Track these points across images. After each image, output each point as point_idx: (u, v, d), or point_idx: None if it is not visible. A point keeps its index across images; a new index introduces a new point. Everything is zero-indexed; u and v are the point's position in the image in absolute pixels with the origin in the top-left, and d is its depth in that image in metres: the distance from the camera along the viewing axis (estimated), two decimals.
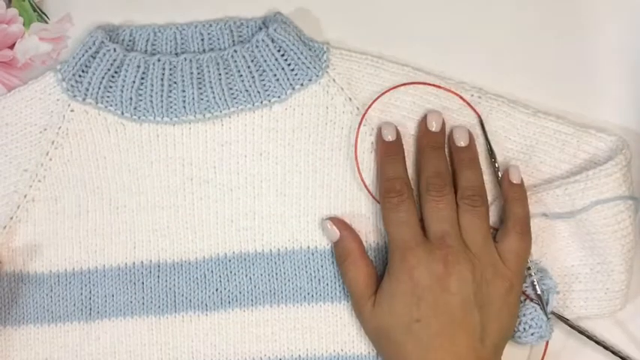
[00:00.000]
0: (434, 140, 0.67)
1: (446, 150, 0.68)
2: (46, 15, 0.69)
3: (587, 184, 0.66)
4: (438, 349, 0.62)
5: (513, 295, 0.64)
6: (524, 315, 0.66)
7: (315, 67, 0.68)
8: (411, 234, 0.64)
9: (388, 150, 0.67)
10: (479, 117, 0.68)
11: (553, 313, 0.67)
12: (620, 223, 0.65)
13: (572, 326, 0.68)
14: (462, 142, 0.67)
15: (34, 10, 0.68)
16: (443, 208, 0.64)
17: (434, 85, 0.68)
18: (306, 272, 0.68)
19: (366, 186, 0.68)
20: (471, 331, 0.62)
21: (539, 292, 0.66)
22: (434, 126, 0.67)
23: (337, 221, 0.67)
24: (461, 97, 0.68)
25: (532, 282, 0.66)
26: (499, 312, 0.64)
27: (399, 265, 0.63)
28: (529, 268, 0.66)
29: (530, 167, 0.68)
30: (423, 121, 0.68)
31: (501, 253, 0.65)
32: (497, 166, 0.68)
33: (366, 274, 0.65)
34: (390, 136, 0.67)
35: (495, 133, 0.68)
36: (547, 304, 0.66)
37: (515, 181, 0.67)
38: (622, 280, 0.67)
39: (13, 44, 0.67)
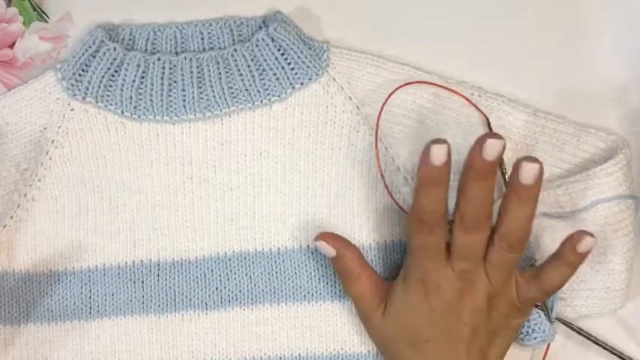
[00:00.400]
0: (485, 170, 0.58)
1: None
2: (46, 14, 0.69)
3: (588, 184, 0.66)
4: None
5: (522, 319, 0.64)
6: (527, 320, 0.66)
7: (315, 66, 0.68)
8: (435, 260, 0.61)
9: (432, 178, 0.59)
10: (486, 118, 0.68)
11: (557, 318, 0.67)
12: (620, 222, 0.66)
13: (575, 330, 0.67)
14: (530, 180, 0.58)
15: (34, 9, 0.68)
16: (474, 246, 0.61)
17: (438, 86, 0.68)
18: (306, 271, 0.68)
19: (394, 199, 0.67)
20: (477, 349, 0.62)
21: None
22: (489, 155, 0.57)
23: (330, 238, 0.65)
24: (466, 98, 0.68)
25: None
26: (506, 335, 0.64)
27: (417, 283, 0.62)
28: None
29: None
30: (478, 145, 0.58)
31: (520, 294, 0.62)
32: (504, 170, 0.67)
33: (370, 287, 0.64)
34: (437, 161, 0.58)
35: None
36: (551, 310, 0.66)
37: (581, 251, 0.60)
38: (622, 279, 0.67)
39: (13, 43, 0.67)
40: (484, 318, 0.62)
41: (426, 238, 0.61)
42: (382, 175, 0.67)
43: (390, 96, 0.68)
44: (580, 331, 0.68)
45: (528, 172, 0.58)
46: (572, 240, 0.60)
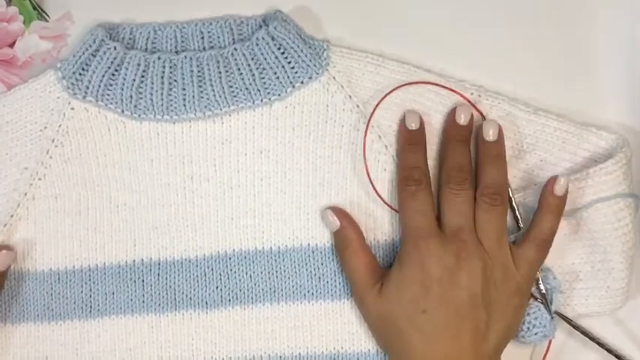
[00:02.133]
0: (460, 133, 0.67)
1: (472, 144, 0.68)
2: (46, 13, 0.69)
3: (588, 183, 0.66)
4: (442, 341, 0.62)
5: (520, 298, 0.65)
6: (527, 314, 0.66)
7: (315, 65, 0.68)
8: (426, 223, 0.64)
9: (410, 138, 0.67)
10: (483, 118, 0.68)
11: (556, 312, 0.67)
12: (620, 221, 0.66)
13: (574, 326, 0.68)
14: (490, 136, 0.66)
15: (35, 9, 0.68)
16: (461, 202, 0.64)
17: (438, 85, 0.68)
18: (307, 270, 0.68)
19: (375, 189, 0.68)
20: (475, 326, 0.63)
21: (543, 290, 0.66)
22: (462, 119, 0.66)
23: (338, 211, 0.67)
24: (465, 98, 0.68)
25: (536, 280, 0.66)
26: (504, 312, 0.64)
27: (411, 254, 0.64)
28: None
29: (530, 165, 0.68)
30: (452, 114, 0.67)
31: (515, 257, 0.65)
32: (513, 196, 0.68)
33: (367, 263, 0.66)
34: (413, 124, 0.67)
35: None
36: (551, 303, 0.66)
37: (557, 194, 0.65)
38: (622, 277, 0.67)
39: (14, 42, 0.67)
40: (480, 284, 0.63)
41: (414, 197, 0.65)
42: (368, 173, 0.68)
43: (386, 95, 0.68)
44: (579, 328, 0.68)
45: (489, 129, 0.66)
46: (547, 186, 0.65)
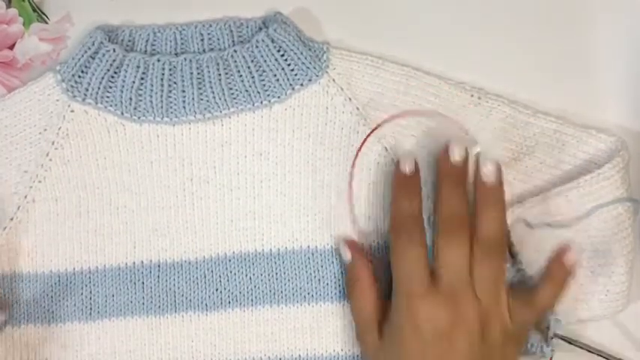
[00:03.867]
0: (455, 175, 0.63)
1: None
2: (45, 15, 0.69)
3: (587, 189, 0.66)
4: None
5: (516, 348, 0.64)
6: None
7: (315, 67, 0.68)
8: (418, 278, 0.62)
9: (404, 183, 0.64)
10: (478, 150, 0.67)
11: (556, 334, 0.66)
12: (619, 225, 0.66)
13: (575, 344, 0.68)
14: (490, 177, 0.63)
15: (34, 11, 0.68)
16: (456, 256, 0.61)
17: (446, 116, 0.68)
18: (307, 272, 0.68)
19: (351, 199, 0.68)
20: None
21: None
22: (456, 156, 0.63)
23: (351, 244, 0.66)
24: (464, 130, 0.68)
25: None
26: None
27: (405, 314, 0.62)
28: None
29: (530, 168, 0.68)
30: (445, 150, 0.64)
31: (512, 314, 0.63)
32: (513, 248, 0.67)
33: (373, 304, 0.64)
34: (407, 168, 0.64)
35: (495, 134, 0.68)
36: (548, 329, 0.66)
37: (567, 264, 0.64)
38: (623, 281, 0.67)
39: (13, 45, 0.67)
40: (477, 343, 0.61)
41: (407, 250, 0.62)
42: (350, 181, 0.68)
43: (392, 118, 0.68)
44: (579, 345, 0.68)
45: (490, 170, 0.63)
46: (557, 256, 0.64)
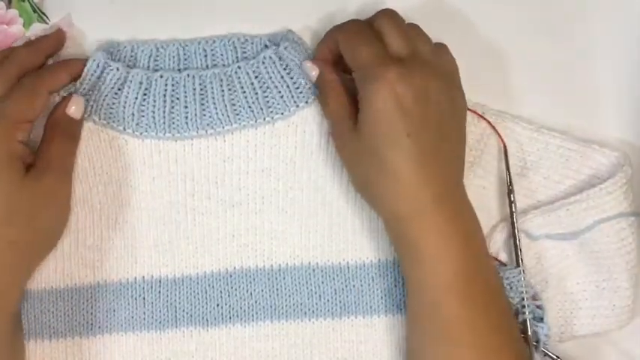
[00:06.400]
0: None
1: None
2: (46, 15, 0.69)
3: (589, 204, 0.66)
4: (431, 164, 0.61)
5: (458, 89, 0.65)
6: None
7: None
8: (377, 50, 0.62)
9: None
10: (504, 146, 0.68)
11: (544, 350, 0.66)
12: (623, 240, 0.66)
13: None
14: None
15: (34, 11, 0.69)
16: (398, 26, 0.63)
17: None
18: (307, 288, 0.68)
19: None
20: (454, 143, 0.62)
21: (529, 332, 0.66)
22: None
23: (316, 61, 0.67)
24: (488, 122, 0.68)
25: (524, 323, 0.66)
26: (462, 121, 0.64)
27: (377, 83, 0.61)
28: (524, 307, 0.66)
29: (534, 183, 0.68)
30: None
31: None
32: (512, 199, 0.67)
33: (346, 100, 0.65)
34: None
35: (499, 149, 0.68)
36: (537, 343, 0.66)
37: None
38: (628, 295, 0.66)
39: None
40: (447, 98, 0.62)
41: (358, 37, 0.63)
42: None
43: None
44: None
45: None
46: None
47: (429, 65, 0.62)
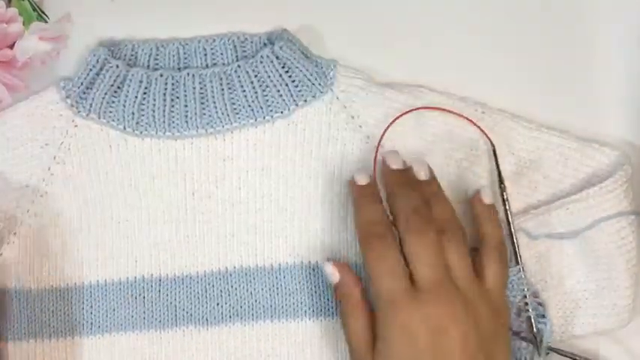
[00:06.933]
0: (402, 177, 0.64)
1: None
2: (45, 14, 0.69)
3: (589, 202, 0.66)
4: None
5: (506, 324, 0.63)
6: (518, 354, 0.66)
7: (319, 84, 0.68)
8: (399, 284, 0.60)
9: (362, 191, 0.64)
10: (492, 146, 0.67)
11: (550, 348, 0.66)
12: (623, 239, 0.65)
13: (569, 356, 0.67)
14: (422, 174, 0.64)
15: (34, 10, 0.68)
16: (428, 248, 0.60)
17: (445, 110, 0.68)
18: (307, 287, 0.68)
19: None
20: None
21: (534, 330, 0.66)
22: (399, 164, 0.65)
23: (338, 265, 0.65)
24: (474, 124, 0.68)
25: (528, 318, 0.66)
26: (497, 346, 0.61)
27: (392, 324, 0.60)
28: (526, 304, 0.66)
29: (533, 182, 0.68)
30: (385, 161, 0.65)
31: (486, 281, 0.62)
32: (505, 197, 0.67)
33: (365, 326, 0.62)
34: (362, 180, 0.65)
35: (499, 148, 0.68)
36: (540, 342, 0.66)
37: (487, 202, 0.65)
38: (629, 295, 0.66)
39: (13, 44, 0.67)
40: (471, 327, 0.59)
41: (381, 258, 0.60)
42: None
43: (395, 119, 0.67)
44: (574, 356, 0.67)
45: (420, 168, 0.64)
46: (475, 200, 0.66)
47: (454, 292, 0.60)
